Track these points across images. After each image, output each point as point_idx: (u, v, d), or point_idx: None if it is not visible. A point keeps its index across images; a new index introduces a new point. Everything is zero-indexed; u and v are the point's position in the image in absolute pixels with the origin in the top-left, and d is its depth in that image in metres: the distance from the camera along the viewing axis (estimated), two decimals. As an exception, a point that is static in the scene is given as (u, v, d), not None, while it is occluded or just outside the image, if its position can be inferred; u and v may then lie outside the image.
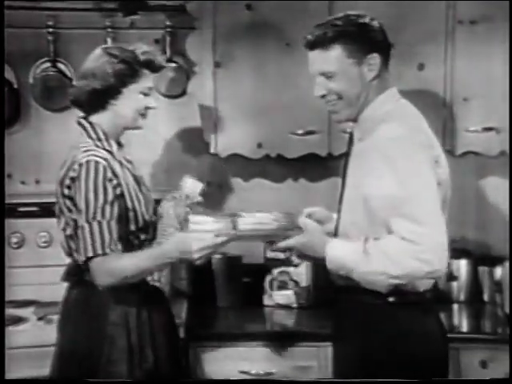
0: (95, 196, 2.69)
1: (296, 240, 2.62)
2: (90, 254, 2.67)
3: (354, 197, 2.61)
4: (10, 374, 2.90)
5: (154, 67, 2.88)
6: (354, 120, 2.68)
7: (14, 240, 3.68)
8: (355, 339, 2.63)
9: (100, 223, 2.68)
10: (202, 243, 2.66)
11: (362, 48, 2.58)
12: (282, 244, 2.65)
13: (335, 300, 2.73)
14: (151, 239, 2.87)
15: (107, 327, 2.76)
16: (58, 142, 3.61)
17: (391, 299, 2.56)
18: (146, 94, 2.87)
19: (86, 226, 2.68)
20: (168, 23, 3.74)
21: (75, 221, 2.74)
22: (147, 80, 2.87)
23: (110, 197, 2.72)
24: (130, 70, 2.82)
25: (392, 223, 2.48)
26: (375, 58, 2.60)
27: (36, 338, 3.21)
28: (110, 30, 3.69)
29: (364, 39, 2.59)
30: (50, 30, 3.71)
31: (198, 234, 2.69)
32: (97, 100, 2.84)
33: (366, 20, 2.61)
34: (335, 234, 2.73)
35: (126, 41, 3.34)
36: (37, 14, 3.66)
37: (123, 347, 2.76)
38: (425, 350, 2.59)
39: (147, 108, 2.89)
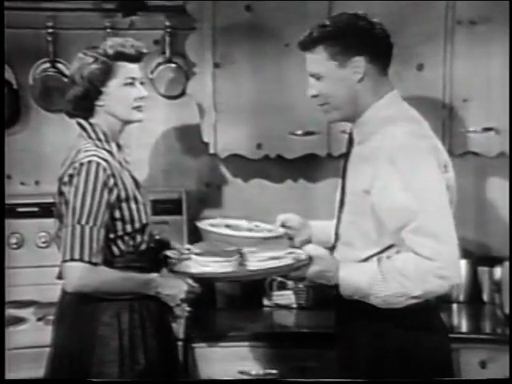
0: (92, 199, 2.68)
1: (309, 270, 2.55)
2: (68, 257, 2.66)
3: (359, 202, 2.56)
4: (10, 374, 2.90)
5: (128, 57, 2.83)
6: (353, 120, 2.65)
7: (14, 240, 3.67)
8: (361, 340, 2.61)
9: (91, 229, 2.67)
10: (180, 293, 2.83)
11: (345, 50, 2.54)
12: (294, 275, 2.60)
13: (338, 301, 2.71)
14: (147, 241, 2.87)
15: (99, 328, 2.76)
16: (57, 142, 3.61)
17: None
18: (131, 84, 2.83)
19: (78, 227, 2.66)
20: (167, 24, 3.74)
21: (62, 218, 2.75)
22: (126, 71, 2.83)
23: (105, 203, 2.71)
24: (103, 67, 2.79)
25: (405, 238, 2.44)
26: (359, 61, 2.54)
27: (35, 338, 3.21)
28: (109, 30, 3.68)
29: (346, 41, 2.54)
30: (50, 30, 3.71)
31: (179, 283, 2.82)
32: (84, 106, 2.83)
33: (359, 22, 2.56)
34: (336, 237, 2.71)
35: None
36: (36, 15, 3.66)
37: (115, 348, 2.76)
38: (432, 349, 2.58)
39: (138, 99, 2.85)
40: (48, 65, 3.76)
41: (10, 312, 3.43)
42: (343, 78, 2.56)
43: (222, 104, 3.52)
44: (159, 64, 3.79)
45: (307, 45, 2.58)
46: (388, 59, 2.62)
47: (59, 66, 3.74)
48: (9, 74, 3.73)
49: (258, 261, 2.56)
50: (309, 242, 2.82)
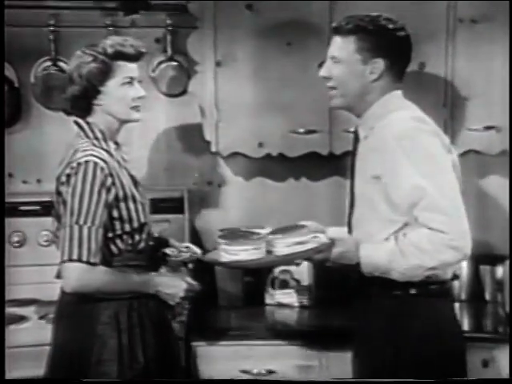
0: (89, 199, 2.68)
1: (332, 252, 2.65)
2: (66, 258, 2.66)
3: (370, 188, 2.65)
4: (11, 374, 2.90)
5: (127, 56, 2.81)
6: (358, 115, 2.73)
7: (16, 239, 3.68)
8: (379, 334, 2.68)
9: (89, 229, 2.67)
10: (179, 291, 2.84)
11: (371, 50, 2.65)
12: (319, 258, 2.67)
13: (352, 297, 2.79)
14: (145, 240, 2.87)
15: (98, 327, 2.76)
16: (59, 141, 3.57)
17: (413, 291, 2.64)
18: (129, 84, 2.82)
19: (76, 227, 2.66)
20: (169, 22, 3.74)
21: (60, 217, 2.75)
22: (125, 71, 2.81)
23: (103, 203, 2.71)
24: (102, 67, 2.78)
25: (418, 215, 2.55)
26: (379, 63, 2.66)
27: (37, 337, 3.20)
28: (110, 28, 3.68)
29: (376, 42, 2.65)
30: (51, 28, 3.70)
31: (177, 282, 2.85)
32: (81, 104, 2.82)
33: (390, 26, 2.67)
34: (349, 229, 2.79)
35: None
36: (38, 13, 3.66)
37: (113, 347, 2.76)
38: (449, 342, 2.71)
39: (136, 99, 2.84)
40: (49, 63, 3.75)
41: (12, 310, 3.44)
42: (360, 73, 2.67)
43: (223, 102, 3.51)
44: (161, 62, 3.79)
45: (341, 30, 2.68)
46: (404, 70, 2.75)
47: (61, 64, 3.73)
48: (10, 73, 3.72)
49: (285, 246, 2.65)
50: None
